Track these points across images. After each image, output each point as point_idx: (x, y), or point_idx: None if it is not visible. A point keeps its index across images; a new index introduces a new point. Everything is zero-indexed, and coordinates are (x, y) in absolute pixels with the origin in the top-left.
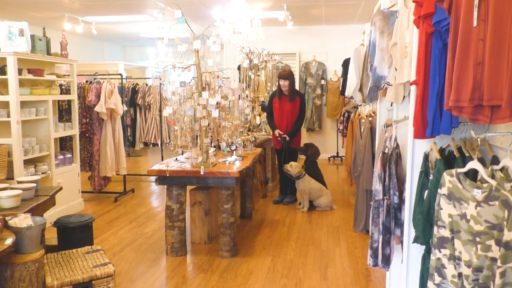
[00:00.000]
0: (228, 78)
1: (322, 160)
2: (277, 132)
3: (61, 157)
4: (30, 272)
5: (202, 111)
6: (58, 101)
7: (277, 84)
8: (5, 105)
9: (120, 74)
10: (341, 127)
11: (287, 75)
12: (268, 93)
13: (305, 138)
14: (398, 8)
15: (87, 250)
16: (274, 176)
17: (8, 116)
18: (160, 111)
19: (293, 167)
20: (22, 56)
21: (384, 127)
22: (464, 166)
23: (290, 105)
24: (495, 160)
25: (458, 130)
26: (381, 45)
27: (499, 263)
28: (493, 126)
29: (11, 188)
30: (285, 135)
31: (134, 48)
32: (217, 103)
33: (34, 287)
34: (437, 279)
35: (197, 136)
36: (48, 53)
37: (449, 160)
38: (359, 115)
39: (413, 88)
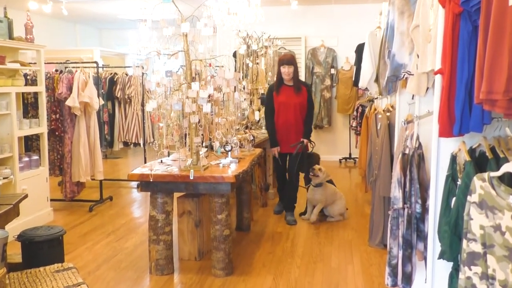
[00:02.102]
0: (222, 66)
1: (332, 162)
2: (276, 151)
3: (26, 159)
4: None
5: (192, 105)
6: (23, 93)
7: (277, 72)
8: None
9: (96, 62)
10: (354, 124)
11: (290, 59)
12: (268, 84)
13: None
14: None
15: (57, 269)
16: (275, 182)
17: None
18: (143, 105)
19: (323, 172)
20: None
21: (405, 123)
22: (498, 169)
23: (297, 97)
24: None
25: (491, 127)
26: (400, 28)
27: None
28: None
29: None
30: (302, 140)
31: (111, 32)
32: (209, 96)
33: None
34: None
35: (185, 135)
36: (10, 37)
37: (480, 162)
38: (375, 109)
39: (438, 78)
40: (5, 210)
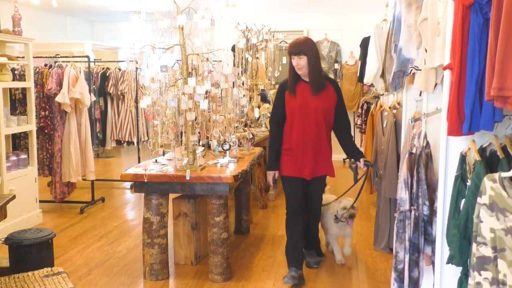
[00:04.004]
0: (220, 61)
1: (336, 162)
2: (272, 176)
3: (14, 158)
4: None
5: (188, 102)
6: (10, 89)
7: (289, 66)
8: None
9: (87, 56)
10: (359, 122)
11: (300, 46)
12: (269, 80)
13: None
14: None
15: (46, 273)
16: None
17: None
18: (136, 102)
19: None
20: None
21: (412, 121)
22: (509, 169)
23: (318, 100)
24: None
25: (502, 126)
26: (408, 21)
27: None
28: None
29: None
30: (368, 161)
31: (104, 25)
32: (207, 92)
33: None
34: None
35: (181, 133)
36: None
37: (491, 162)
38: (380, 106)
39: (447, 73)
40: None
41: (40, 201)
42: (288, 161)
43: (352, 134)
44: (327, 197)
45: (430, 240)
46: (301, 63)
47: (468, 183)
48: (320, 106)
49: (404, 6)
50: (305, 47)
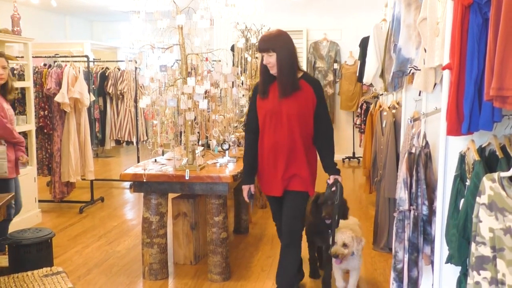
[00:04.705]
0: (220, 61)
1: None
2: (247, 190)
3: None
4: None
5: (187, 101)
6: None
7: (260, 64)
8: None
9: (86, 56)
10: (358, 122)
11: (268, 42)
12: None
13: None
14: None
15: (46, 273)
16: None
17: None
18: (136, 101)
19: (354, 236)
20: None
21: (411, 121)
22: (508, 169)
23: (292, 103)
24: None
25: (501, 125)
26: (407, 21)
27: None
28: None
29: None
30: (336, 177)
31: (103, 24)
32: (206, 91)
33: None
34: None
35: (181, 133)
36: None
37: (490, 161)
38: (380, 106)
39: (446, 73)
40: None
41: (40, 201)
42: (263, 176)
43: (351, 134)
44: (346, 222)
45: (429, 240)
46: (270, 60)
47: (467, 183)
48: (293, 110)
49: (403, 6)
50: (274, 42)
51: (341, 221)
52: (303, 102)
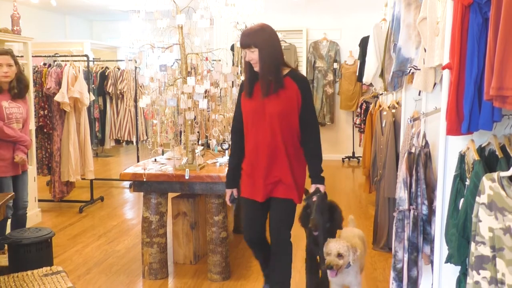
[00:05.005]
0: (219, 60)
1: (335, 161)
2: (229, 194)
3: None
4: None
5: (187, 101)
6: None
7: (244, 61)
8: None
9: (86, 56)
10: (358, 121)
11: (250, 37)
12: None
13: None
14: None
15: (46, 272)
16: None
17: None
18: (136, 101)
19: (349, 247)
20: None
21: (411, 121)
22: (508, 168)
23: (274, 102)
24: None
25: (501, 125)
26: (407, 20)
27: None
28: None
29: None
30: (318, 186)
31: (103, 24)
32: (206, 91)
33: None
34: None
35: (180, 132)
36: None
37: (490, 161)
38: (379, 106)
39: (446, 73)
40: None
41: (39, 200)
42: (245, 179)
43: (351, 134)
44: (347, 232)
45: (429, 240)
46: (253, 57)
47: (467, 183)
48: (275, 110)
49: (403, 6)
50: (255, 37)
51: (344, 231)
52: (286, 101)
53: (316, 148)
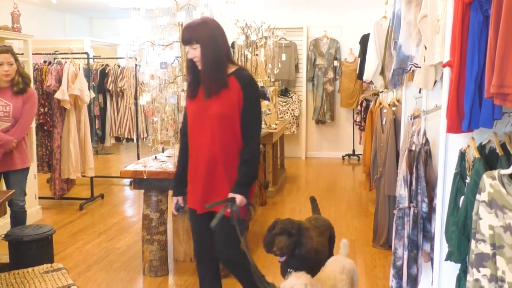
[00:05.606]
0: None
1: (335, 159)
2: (174, 203)
3: None
4: None
5: None
6: None
7: (186, 59)
8: None
9: (86, 53)
10: (358, 119)
11: (193, 31)
12: (268, 77)
13: (314, 132)
14: None
15: (46, 269)
16: (275, 179)
17: None
18: (136, 98)
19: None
20: None
21: (411, 119)
22: (508, 166)
23: (215, 103)
24: None
25: (502, 123)
26: (407, 18)
27: None
28: None
29: None
30: (234, 195)
31: (103, 21)
32: None
33: None
34: None
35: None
36: None
37: (490, 159)
38: (380, 104)
39: (446, 71)
40: None
41: (40, 198)
42: (188, 185)
43: (351, 131)
44: (333, 265)
45: (429, 237)
46: (196, 54)
47: (467, 180)
48: (215, 111)
49: (403, 3)
50: (197, 32)
51: (330, 263)
52: (227, 102)
53: (249, 154)
